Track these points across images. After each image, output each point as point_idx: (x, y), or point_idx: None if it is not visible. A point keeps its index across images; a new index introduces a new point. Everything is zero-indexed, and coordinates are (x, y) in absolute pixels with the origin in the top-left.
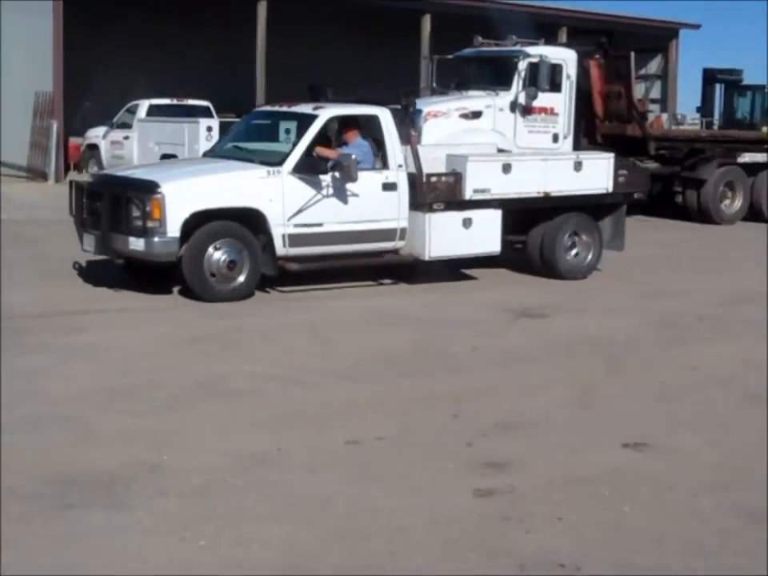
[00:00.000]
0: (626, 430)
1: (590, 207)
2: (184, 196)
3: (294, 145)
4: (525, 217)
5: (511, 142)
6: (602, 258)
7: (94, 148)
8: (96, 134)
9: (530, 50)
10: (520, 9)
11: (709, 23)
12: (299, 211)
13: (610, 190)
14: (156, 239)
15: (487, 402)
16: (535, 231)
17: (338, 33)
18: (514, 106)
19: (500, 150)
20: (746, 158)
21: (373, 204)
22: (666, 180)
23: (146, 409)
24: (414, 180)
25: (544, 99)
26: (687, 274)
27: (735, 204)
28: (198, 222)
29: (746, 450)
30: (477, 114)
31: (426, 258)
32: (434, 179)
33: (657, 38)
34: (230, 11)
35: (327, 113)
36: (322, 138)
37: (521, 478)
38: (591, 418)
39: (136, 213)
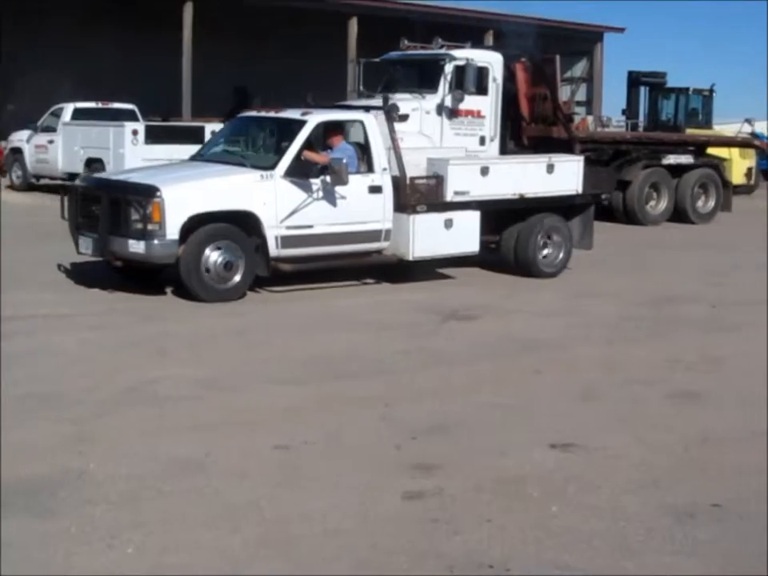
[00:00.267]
0: (554, 431)
1: (561, 208)
2: (183, 199)
3: (285, 149)
4: (499, 218)
5: (437, 145)
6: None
7: (17, 152)
8: (20, 138)
9: (456, 53)
10: (447, 12)
11: (633, 26)
12: (291, 214)
13: (580, 191)
14: (156, 242)
15: (416, 404)
16: (509, 231)
17: (264, 35)
18: (440, 109)
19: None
20: (671, 159)
21: (360, 206)
22: None
23: (74, 415)
24: (398, 183)
25: (470, 102)
26: (614, 274)
27: (660, 205)
28: (194, 224)
29: (673, 449)
30: (403, 117)
31: (410, 258)
32: (417, 182)
33: (582, 41)
34: (155, 14)
35: (316, 118)
36: (306, 143)
37: (450, 479)
38: (519, 419)
39: (136, 216)
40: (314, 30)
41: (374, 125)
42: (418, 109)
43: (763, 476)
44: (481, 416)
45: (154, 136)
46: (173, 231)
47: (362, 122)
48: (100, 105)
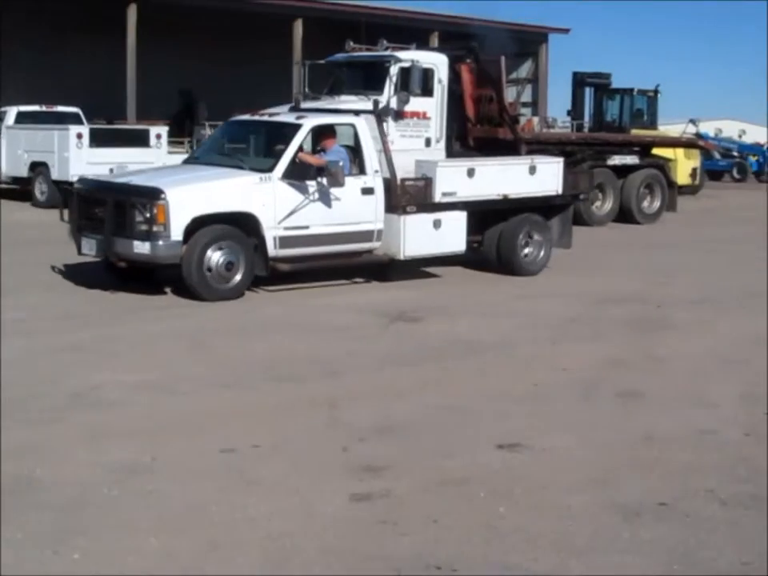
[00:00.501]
0: (500, 431)
1: (542, 208)
2: (186, 201)
3: (281, 152)
4: (482, 218)
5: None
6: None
7: None
8: None
9: (402, 54)
10: (393, 14)
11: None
12: (288, 215)
13: (560, 191)
14: (161, 242)
15: (362, 406)
16: (491, 231)
17: (208, 37)
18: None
19: None
20: (616, 160)
21: (353, 207)
22: None
23: (20, 421)
24: (389, 185)
25: (416, 104)
26: (560, 275)
27: (606, 206)
28: (196, 225)
29: (618, 448)
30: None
31: (401, 257)
32: (407, 184)
33: (527, 43)
34: (99, 16)
35: (311, 122)
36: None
37: (397, 481)
38: (465, 420)
39: (140, 218)
40: (259, 32)
41: (365, 128)
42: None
43: (708, 475)
44: (428, 417)
45: (99, 139)
46: (177, 232)
47: (353, 126)
48: (44, 108)
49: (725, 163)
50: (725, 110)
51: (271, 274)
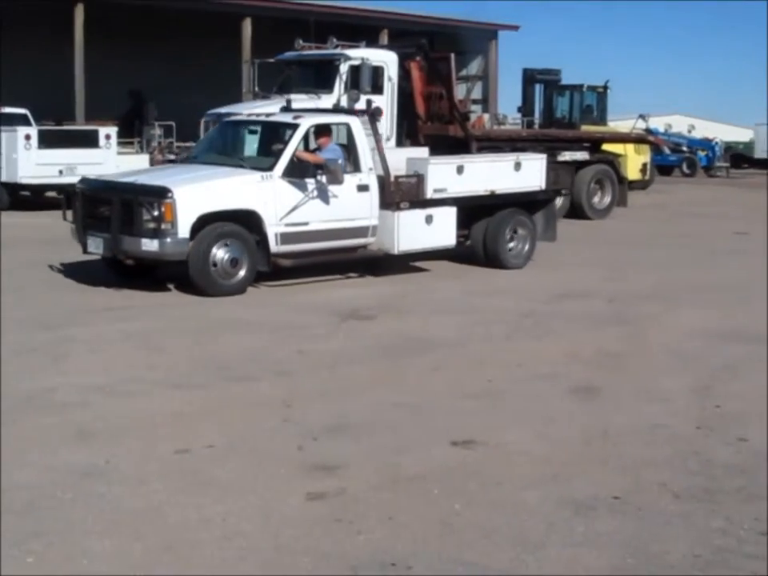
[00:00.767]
0: (455, 428)
1: (526, 203)
2: (193, 199)
3: (280, 151)
4: (468, 213)
5: None
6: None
7: None
8: None
9: (351, 52)
10: (342, 11)
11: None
12: (289, 212)
13: (543, 187)
14: (168, 240)
15: (316, 405)
16: (477, 226)
17: (157, 36)
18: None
19: None
20: (566, 156)
21: (350, 204)
22: None
23: None
24: (383, 182)
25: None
26: (512, 270)
27: (557, 201)
28: (201, 223)
29: (572, 443)
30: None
31: (396, 252)
32: (400, 180)
33: (477, 40)
34: (46, 16)
35: (308, 121)
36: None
37: (351, 479)
38: (419, 417)
39: (148, 216)
40: (208, 31)
41: (359, 127)
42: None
43: (660, 468)
44: (381, 415)
45: (48, 140)
46: (184, 230)
47: (348, 125)
48: None
49: (674, 158)
50: (674, 105)
51: (273, 269)
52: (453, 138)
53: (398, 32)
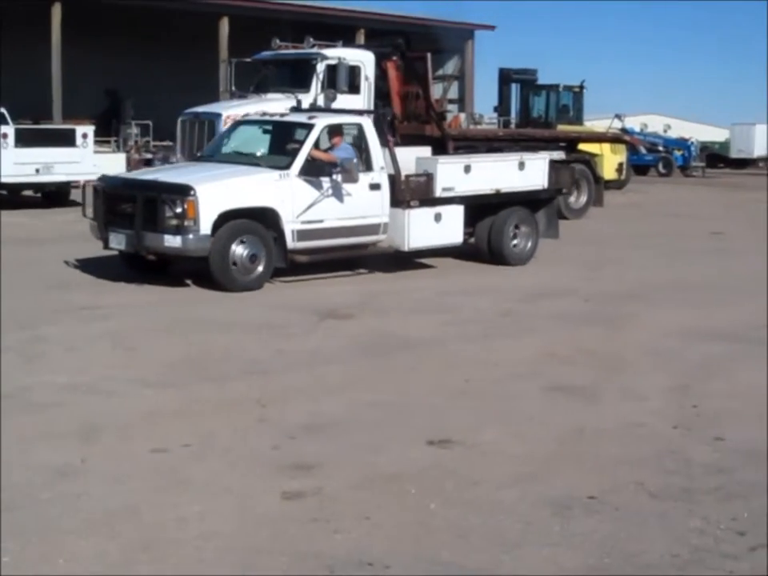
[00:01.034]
0: (431, 428)
1: (529, 202)
2: (215, 197)
3: (296, 151)
4: (473, 211)
5: None
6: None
7: None
8: None
9: (328, 52)
10: (319, 11)
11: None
12: (305, 209)
13: (545, 186)
14: (191, 236)
15: (292, 404)
16: (482, 224)
17: (134, 36)
18: (313, 109)
19: None
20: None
21: (362, 202)
22: None
23: None
24: (394, 180)
25: (343, 101)
26: (488, 270)
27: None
28: (222, 220)
29: (549, 442)
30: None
31: (406, 249)
32: (410, 179)
33: (453, 39)
34: (23, 15)
35: (323, 121)
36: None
37: (328, 479)
38: (396, 416)
39: (171, 213)
40: (185, 31)
41: (371, 127)
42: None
43: (637, 467)
44: (357, 414)
45: (25, 139)
46: (206, 226)
47: (360, 125)
48: None
49: (650, 158)
50: (650, 105)
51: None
52: (429, 138)
53: (375, 32)
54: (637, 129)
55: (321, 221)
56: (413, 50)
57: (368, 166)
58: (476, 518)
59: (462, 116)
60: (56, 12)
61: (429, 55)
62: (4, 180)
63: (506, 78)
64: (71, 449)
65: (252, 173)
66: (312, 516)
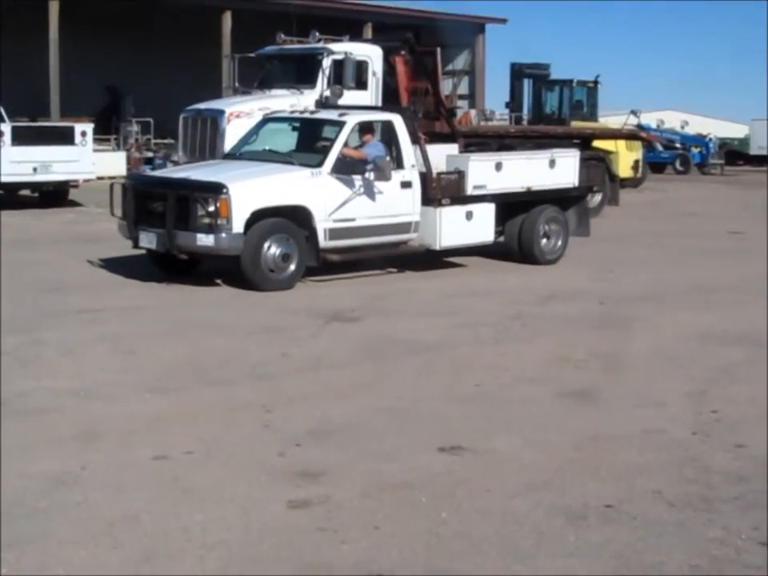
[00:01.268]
0: (441, 434)
1: (559, 199)
2: (247, 195)
3: (327, 148)
4: (503, 209)
5: None
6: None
7: None
8: None
9: (335, 46)
10: (325, 4)
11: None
12: (338, 208)
13: (576, 184)
14: (224, 235)
15: (298, 409)
16: (512, 222)
17: (135, 31)
18: (319, 105)
19: None
20: None
21: (394, 200)
22: None
23: None
24: (425, 178)
25: (350, 97)
26: (500, 271)
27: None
28: (254, 218)
29: (563, 449)
30: None
31: (438, 247)
32: (442, 177)
33: (463, 33)
34: (20, 11)
35: (353, 119)
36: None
37: (336, 487)
38: (405, 422)
39: (203, 211)
40: (187, 25)
41: (401, 124)
42: (296, 105)
43: (655, 475)
44: (365, 420)
45: (22, 137)
46: (238, 225)
47: (391, 122)
48: None
49: (667, 155)
50: (667, 100)
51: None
52: (439, 135)
53: (383, 26)
54: (653, 125)
55: (353, 219)
56: (422, 44)
57: (399, 164)
58: (488, 528)
59: (473, 112)
60: (54, 7)
61: (438, 50)
62: (0, 179)
63: (517, 72)
64: (70, 456)
65: (284, 171)
66: (319, 525)
